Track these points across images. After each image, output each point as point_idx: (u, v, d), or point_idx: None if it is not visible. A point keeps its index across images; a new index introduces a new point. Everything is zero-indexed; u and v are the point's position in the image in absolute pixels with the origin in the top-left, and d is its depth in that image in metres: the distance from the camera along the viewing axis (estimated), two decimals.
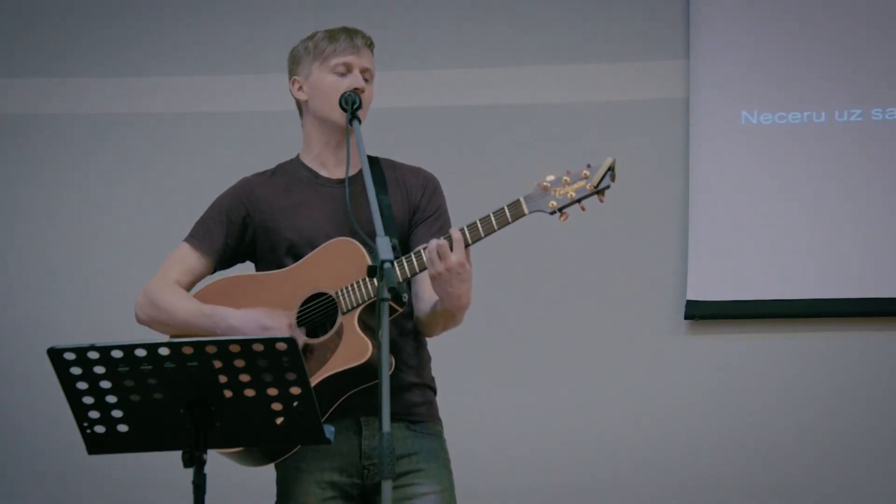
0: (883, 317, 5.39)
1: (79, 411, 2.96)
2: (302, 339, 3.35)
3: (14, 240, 5.81)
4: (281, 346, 2.88)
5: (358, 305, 3.33)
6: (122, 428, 2.97)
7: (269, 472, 3.49)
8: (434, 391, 3.54)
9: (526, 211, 3.26)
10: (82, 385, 2.93)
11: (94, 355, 2.90)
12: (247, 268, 3.59)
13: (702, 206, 5.52)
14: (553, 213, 3.25)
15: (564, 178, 3.24)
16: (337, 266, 3.37)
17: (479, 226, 3.27)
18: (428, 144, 5.58)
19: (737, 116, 5.57)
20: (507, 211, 3.26)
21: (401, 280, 3.28)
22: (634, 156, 5.48)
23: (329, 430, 3.00)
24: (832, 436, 5.39)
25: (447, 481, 3.44)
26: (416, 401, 3.46)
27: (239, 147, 5.66)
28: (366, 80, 3.52)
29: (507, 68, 5.77)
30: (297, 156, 3.60)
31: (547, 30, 5.76)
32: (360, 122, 3.44)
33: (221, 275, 3.56)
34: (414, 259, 3.30)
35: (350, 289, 3.34)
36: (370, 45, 3.55)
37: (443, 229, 3.45)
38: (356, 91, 3.47)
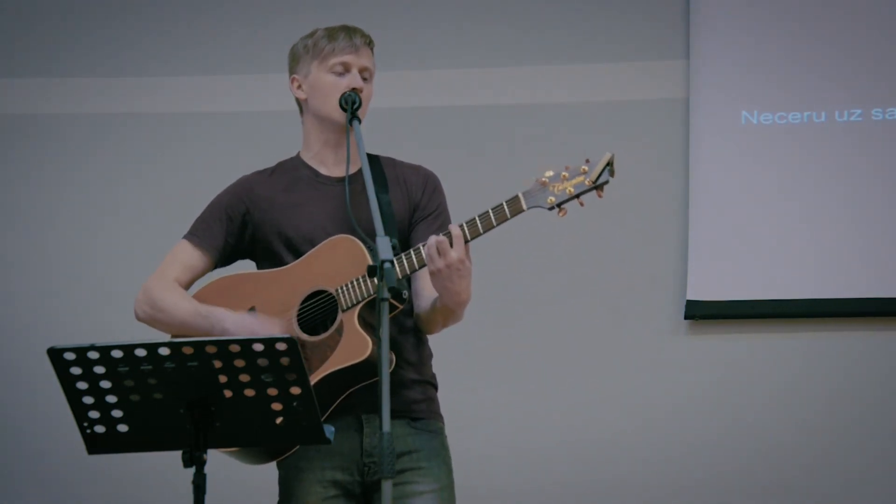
0: (883, 317, 5.39)
1: (79, 411, 2.96)
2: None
3: (14, 240, 5.81)
4: (281, 345, 2.88)
5: (358, 303, 3.33)
6: (122, 428, 2.97)
7: (270, 471, 3.49)
8: (435, 388, 3.54)
9: (524, 206, 3.25)
10: (82, 385, 2.93)
11: (94, 355, 2.90)
12: (246, 265, 3.59)
13: (702, 206, 5.52)
14: (551, 208, 3.24)
15: (563, 173, 3.23)
16: (337, 263, 3.37)
17: (478, 222, 3.26)
18: (428, 144, 5.58)
19: (737, 116, 5.57)
20: (505, 207, 3.26)
21: (400, 277, 3.28)
22: (634, 156, 5.48)
23: (329, 430, 3.00)
24: (832, 436, 5.39)
25: (446, 479, 3.44)
26: (416, 398, 3.46)
27: (239, 147, 5.66)
28: (365, 80, 3.52)
29: (507, 68, 5.77)
30: (297, 154, 3.60)
31: (547, 30, 5.76)
32: (359, 121, 3.44)
33: (222, 273, 3.56)
34: (413, 256, 3.30)
35: (350, 286, 3.34)
36: (369, 43, 3.55)
37: (442, 227, 3.45)
38: (355, 91, 3.47)
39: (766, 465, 5.39)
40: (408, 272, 3.31)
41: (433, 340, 3.56)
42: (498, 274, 5.45)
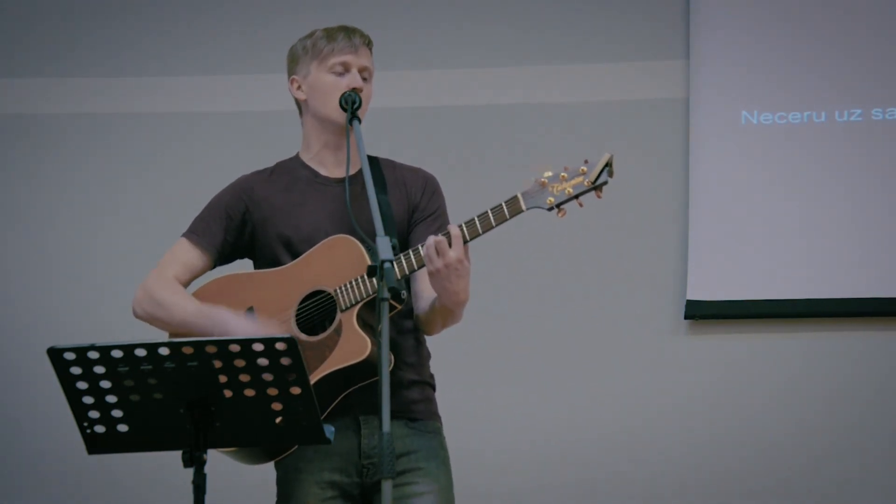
0: (883, 317, 5.39)
1: (79, 411, 2.96)
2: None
3: (14, 240, 5.81)
4: (281, 345, 2.88)
5: (357, 303, 3.33)
6: (122, 428, 2.97)
7: (269, 471, 3.49)
8: (433, 388, 3.54)
9: (523, 207, 3.25)
10: (82, 385, 2.93)
11: (94, 355, 2.89)
12: (245, 265, 3.59)
13: (702, 206, 5.52)
14: (551, 209, 3.24)
15: (562, 174, 3.23)
16: (336, 263, 3.37)
17: (477, 222, 3.26)
18: (428, 144, 5.58)
19: (737, 116, 5.57)
20: (504, 207, 3.26)
21: (399, 277, 3.28)
22: (634, 156, 5.48)
23: (329, 430, 3.00)
24: (832, 435, 5.39)
25: (445, 480, 3.44)
26: (414, 398, 3.46)
27: (239, 147, 5.66)
28: (364, 80, 3.52)
29: (507, 68, 5.77)
30: (297, 154, 3.60)
31: (547, 30, 5.76)
32: (359, 121, 3.44)
33: (221, 272, 3.56)
34: (412, 256, 3.29)
35: (349, 286, 3.34)
36: (368, 43, 3.55)
37: (441, 228, 3.44)
38: (354, 90, 3.47)
39: (766, 465, 5.39)
40: (406, 272, 3.31)
41: (432, 341, 3.56)
42: (497, 274, 5.45)
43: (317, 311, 3.39)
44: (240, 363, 2.90)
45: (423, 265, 3.28)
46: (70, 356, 2.90)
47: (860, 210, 5.43)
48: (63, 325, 5.63)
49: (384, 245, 3.01)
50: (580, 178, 3.22)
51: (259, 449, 3.36)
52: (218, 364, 2.90)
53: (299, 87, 3.55)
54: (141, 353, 2.89)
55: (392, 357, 3.31)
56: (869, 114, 5.48)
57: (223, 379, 2.91)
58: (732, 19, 5.63)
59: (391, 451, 2.86)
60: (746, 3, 5.64)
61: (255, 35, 5.81)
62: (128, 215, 5.78)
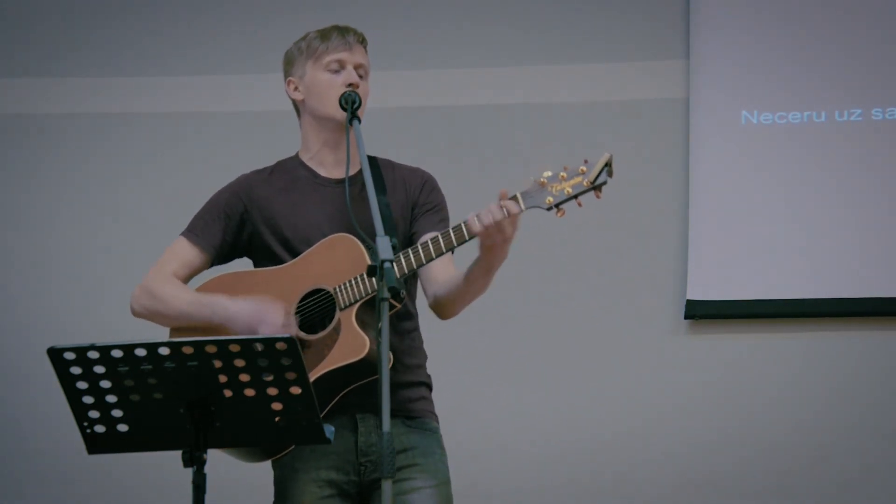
0: (883, 317, 5.39)
1: (79, 411, 2.96)
2: (295, 329, 3.35)
3: (14, 240, 5.81)
4: (281, 345, 2.88)
5: (356, 301, 3.33)
6: (122, 428, 2.97)
7: (268, 471, 3.49)
8: (430, 389, 3.54)
9: (523, 207, 3.25)
10: (82, 385, 2.93)
11: (94, 355, 2.90)
12: (243, 264, 3.59)
13: (702, 206, 5.52)
14: (550, 209, 3.23)
15: (561, 173, 3.23)
16: (335, 262, 3.37)
17: (464, 228, 3.26)
18: (428, 144, 5.58)
19: (737, 116, 5.57)
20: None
21: (406, 272, 3.28)
22: (634, 156, 5.48)
23: (329, 430, 3.00)
24: (832, 435, 5.39)
25: (443, 476, 3.44)
26: (411, 397, 3.46)
27: (239, 147, 5.66)
28: (360, 77, 3.52)
29: (507, 68, 5.77)
30: (297, 154, 3.60)
31: (547, 30, 5.76)
32: (359, 121, 3.44)
33: (220, 270, 3.56)
34: (412, 255, 3.29)
35: (348, 285, 3.34)
36: (362, 41, 3.55)
37: (443, 221, 3.48)
38: (351, 86, 3.47)
39: (766, 465, 5.39)
40: (406, 272, 3.30)
41: (432, 341, 3.56)
42: (497, 274, 5.44)
43: (316, 310, 3.39)
44: (240, 363, 2.90)
45: (421, 264, 3.28)
46: (70, 356, 2.90)
47: (860, 210, 5.43)
48: (63, 325, 5.63)
49: (384, 245, 3.02)
50: (579, 178, 3.22)
51: (257, 448, 3.36)
52: (218, 364, 2.90)
53: (296, 88, 3.56)
54: (141, 352, 2.89)
55: (391, 355, 3.31)
56: (869, 114, 5.48)
57: (223, 379, 2.91)
58: (732, 19, 5.63)
59: (391, 450, 2.86)
60: (746, 3, 5.64)
61: (255, 35, 5.81)
62: (128, 215, 5.78)
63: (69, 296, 5.74)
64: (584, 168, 3.22)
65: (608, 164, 3.19)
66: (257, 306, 3.37)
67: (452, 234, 3.25)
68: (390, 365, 3.28)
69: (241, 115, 5.81)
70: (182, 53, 5.88)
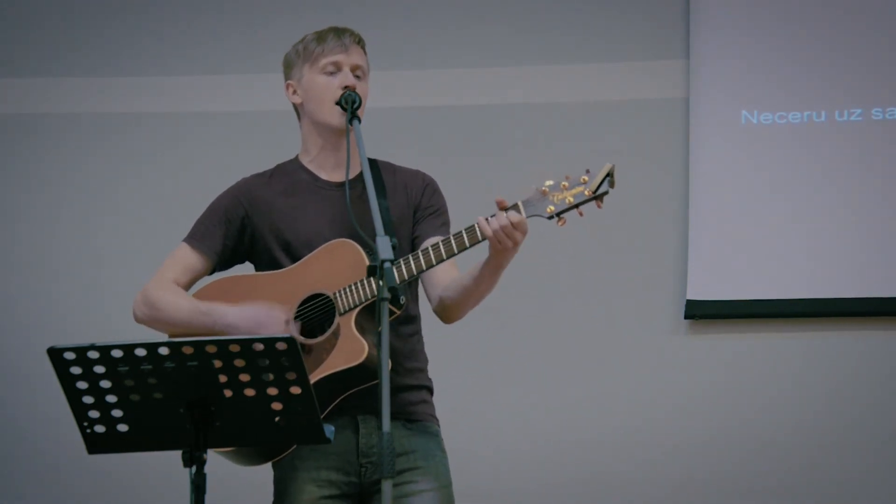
0: (883, 317, 5.39)
1: (79, 411, 2.96)
2: (297, 334, 3.35)
3: (14, 240, 5.81)
4: (281, 345, 2.88)
5: (355, 307, 3.33)
6: (122, 428, 2.97)
7: (268, 471, 3.49)
8: (431, 392, 3.54)
9: (524, 215, 3.25)
10: (82, 385, 2.92)
11: (94, 355, 2.89)
12: (245, 268, 3.59)
13: (702, 206, 5.52)
14: (551, 217, 3.25)
15: (563, 182, 3.24)
16: (335, 267, 3.37)
17: (478, 230, 3.27)
18: (428, 144, 5.58)
19: (737, 116, 5.57)
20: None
21: (406, 277, 3.28)
22: (634, 156, 5.48)
23: (329, 430, 3.00)
24: (832, 435, 5.39)
25: (445, 478, 3.44)
26: (412, 400, 3.46)
27: (239, 147, 5.66)
28: (358, 77, 3.51)
29: (507, 68, 5.77)
30: (296, 157, 3.60)
31: (547, 30, 5.76)
32: (359, 121, 3.44)
33: (220, 275, 3.56)
34: (412, 261, 3.29)
35: (348, 290, 3.34)
36: (360, 42, 3.55)
37: (445, 225, 3.47)
38: (348, 88, 3.47)
39: (766, 465, 5.39)
40: (415, 273, 3.30)
41: (432, 341, 3.56)
42: None
43: (316, 314, 3.39)
44: (240, 363, 2.90)
45: (431, 265, 3.27)
46: (70, 356, 2.90)
47: (860, 210, 5.43)
48: (63, 325, 5.63)
49: (384, 245, 3.01)
50: (581, 188, 3.22)
51: (255, 450, 3.36)
52: (218, 364, 2.90)
53: (295, 92, 3.56)
54: (141, 352, 2.89)
55: (390, 362, 3.31)
56: (869, 114, 5.48)
57: (223, 379, 2.91)
58: (732, 19, 5.63)
59: (391, 451, 2.86)
60: (746, 3, 5.64)
61: (255, 35, 5.81)
62: (128, 215, 5.78)
63: (69, 296, 5.74)
64: (586, 177, 3.22)
65: (610, 174, 3.20)
66: (258, 312, 3.37)
67: (465, 236, 3.25)
68: (390, 367, 3.29)
69: (241, 115, 5.80)
70: (182, 53, 5.87)
